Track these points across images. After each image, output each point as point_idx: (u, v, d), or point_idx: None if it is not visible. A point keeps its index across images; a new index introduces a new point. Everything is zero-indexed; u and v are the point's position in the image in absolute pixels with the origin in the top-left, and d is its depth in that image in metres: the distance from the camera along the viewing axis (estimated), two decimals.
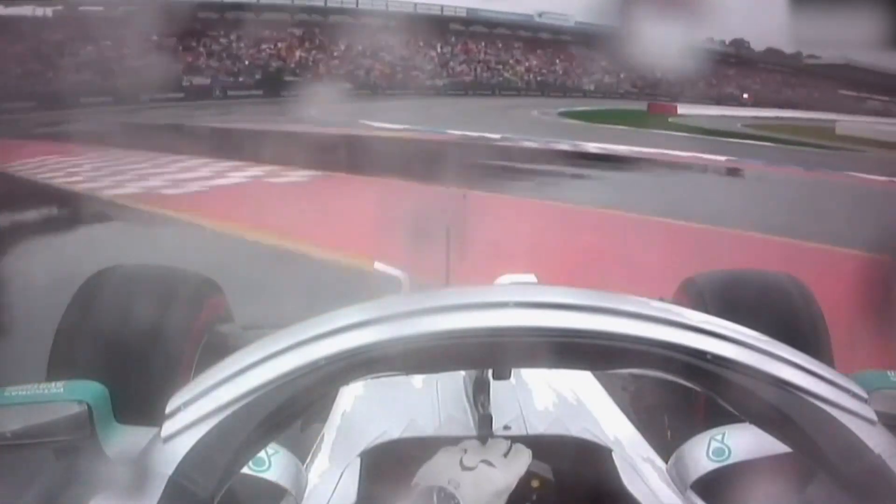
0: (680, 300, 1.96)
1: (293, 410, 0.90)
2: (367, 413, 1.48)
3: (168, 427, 0.86)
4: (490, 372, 1.19)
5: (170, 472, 0.80)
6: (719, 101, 45.02)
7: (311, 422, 1.55)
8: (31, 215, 8.05)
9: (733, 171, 13.80)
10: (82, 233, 7.08)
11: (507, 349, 0.93)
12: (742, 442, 1.19)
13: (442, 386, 1.54)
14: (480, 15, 52.08)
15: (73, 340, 1.62)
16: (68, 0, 33.49)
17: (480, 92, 43.70)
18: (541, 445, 1.09)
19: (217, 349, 1.69)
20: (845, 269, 4.98)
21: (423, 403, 1.48)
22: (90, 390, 1.05)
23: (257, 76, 37.90)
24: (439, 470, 1.00)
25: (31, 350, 1.82)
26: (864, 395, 0.91)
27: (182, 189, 9.05)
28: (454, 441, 1.07)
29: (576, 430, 1.35)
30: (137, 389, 1.29)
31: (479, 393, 1.24)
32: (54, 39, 31.32)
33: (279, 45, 41.86)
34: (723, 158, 14.65)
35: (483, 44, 52.23)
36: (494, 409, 1.19)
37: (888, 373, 1.03)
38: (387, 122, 20.21)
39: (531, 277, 2.54)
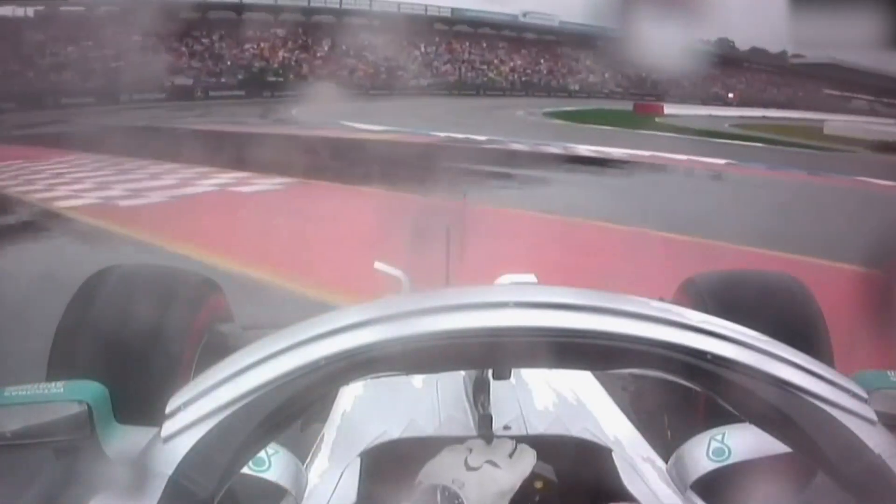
0: (680, 300, 1.96)
1: (293, 410, 0.90)
2: (367, 413, 1.48)
3: (168, 427, 0.86)
4: (490, 372, 1.19)
5: (170, 472, 0.80)
6: (705, 101, 44.62)
7: (311, 422, 1.54)
8: None
9: (718, 176, 13.18)
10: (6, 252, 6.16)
11: (506, 349, 0.93)
12: (742, 442, 1.20)
13: (442, 386, 1.54)
14: (465, 15, 51.91)
15: (73, 340, 1.62)
16: (49, 0, 33.17)
17: (465, 92, 43.39)
18: (541, 445, 1.09)
19: (217, 349, 1.69)
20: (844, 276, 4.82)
21: (423, 403, 1.48)
22: (90, 390, 1.05)
23: (240, 77, 37.76)
24: (443, 469, 1.00)
25: None
26: (864, 395, 0.91)
27: (142, 199, 8.34)
28: (454, 441, 1.07)
29: (576, 430, 1.35)
30: (137, 389, 1.28)
31: (479, 393, 1.24)
32: (35, 40, 31.07)
33: (262, 45, 41.58)
34: (722, 162, 13.94)
35: (467, 44, 52.12)
36: (494, 409, 1.19)
37: (888, 373, 1.04)
38: (370, 123, 19.72)
39: (531, 277, 2.53)
